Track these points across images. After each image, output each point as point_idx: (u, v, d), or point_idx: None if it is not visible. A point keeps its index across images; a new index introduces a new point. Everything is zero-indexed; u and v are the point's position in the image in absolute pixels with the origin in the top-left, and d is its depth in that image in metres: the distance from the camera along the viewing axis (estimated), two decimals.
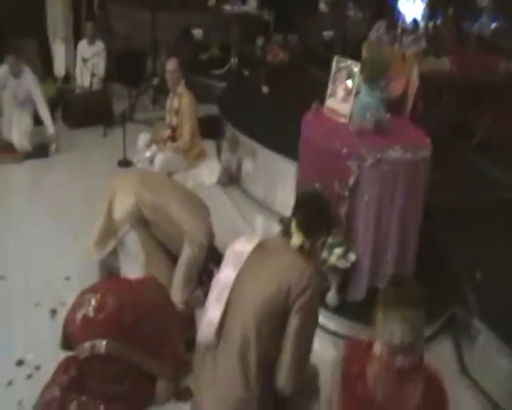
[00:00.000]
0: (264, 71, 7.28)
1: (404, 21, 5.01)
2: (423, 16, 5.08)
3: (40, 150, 5.62)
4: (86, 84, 6.66)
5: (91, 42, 6.76)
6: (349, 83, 3.62)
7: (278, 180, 4.67)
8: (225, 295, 2.20)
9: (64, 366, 2.78)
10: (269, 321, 2.11)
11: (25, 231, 4.26)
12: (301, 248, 2.26)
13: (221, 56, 8.07)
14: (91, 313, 2.70)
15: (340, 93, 3.72)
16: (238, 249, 2.28)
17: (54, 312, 3.36)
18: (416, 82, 4.92)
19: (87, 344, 2.67)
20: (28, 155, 5.52)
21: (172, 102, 5.26)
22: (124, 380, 2.78)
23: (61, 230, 4.24)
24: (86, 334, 2.69)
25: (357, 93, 3.53)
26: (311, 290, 2.09)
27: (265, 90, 6.40)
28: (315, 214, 2.28)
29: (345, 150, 3.28)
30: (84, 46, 6.82)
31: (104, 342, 2.66)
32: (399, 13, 4.96)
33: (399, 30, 4.91)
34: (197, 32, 8.15)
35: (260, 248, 2.24)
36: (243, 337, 2.13)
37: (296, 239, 2.25)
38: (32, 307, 3.42)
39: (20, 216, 4.50)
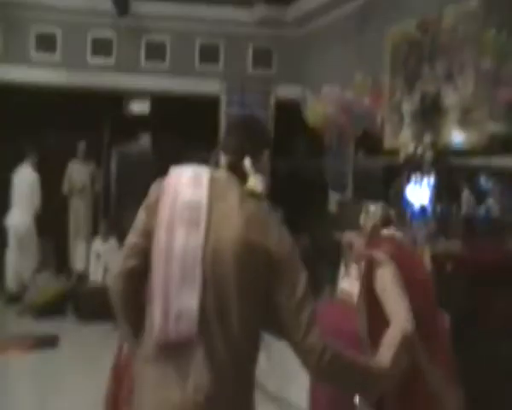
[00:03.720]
0: None
1: (412, 208, 5.23)
2: (431, 201, 5.31)
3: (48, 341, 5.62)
4: (99, 278, 6.76)
5: (105, 239, 7.04)
6: None
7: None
8: (198, 271, 1.57)
9: None
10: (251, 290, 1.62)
11: None
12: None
13: None
14: None
15: (354, 272, 3.73)
16: (186, 198, 1.61)
17: None
18: (429, 265, 4.93)
19: None
20: (35, 345, 5.53)
21: None
22: None
23: None
24: None
25: None
26: (287, 243, 1.72)
27: None
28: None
29: None
30: (98, 243, 7.10)
31: None
32: (406, 201, 5.20)
33: (408, 217, 5.09)
34: None
35: (212, 189, 1.65)
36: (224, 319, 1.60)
37: (253, 182, 1.71)
38: None
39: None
